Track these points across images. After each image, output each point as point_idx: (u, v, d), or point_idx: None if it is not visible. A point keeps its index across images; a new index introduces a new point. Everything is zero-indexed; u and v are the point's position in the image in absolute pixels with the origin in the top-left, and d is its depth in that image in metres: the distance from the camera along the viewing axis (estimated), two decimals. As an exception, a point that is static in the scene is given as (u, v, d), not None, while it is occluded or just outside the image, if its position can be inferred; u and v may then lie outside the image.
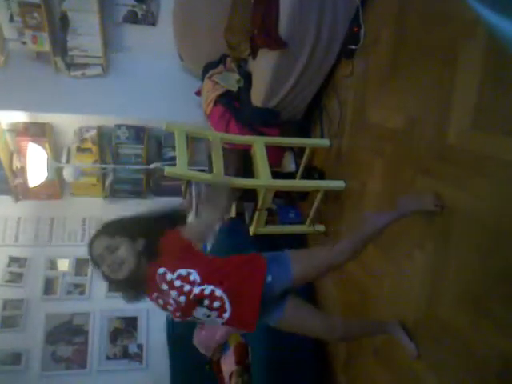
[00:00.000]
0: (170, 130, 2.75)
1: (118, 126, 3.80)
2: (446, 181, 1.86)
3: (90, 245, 1.67)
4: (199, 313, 1.64)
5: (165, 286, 1.62)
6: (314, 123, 3.19)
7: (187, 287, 1.61)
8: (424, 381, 1.90)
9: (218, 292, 1.62)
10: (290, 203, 3.40)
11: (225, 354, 2.88)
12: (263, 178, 2.64)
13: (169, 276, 1.61)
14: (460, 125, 1.81)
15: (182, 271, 1.63)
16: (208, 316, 1.64)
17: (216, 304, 1.62)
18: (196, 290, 1.61)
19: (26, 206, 4.08)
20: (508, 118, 1.60)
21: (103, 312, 3.78)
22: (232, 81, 3.18)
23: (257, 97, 2.97)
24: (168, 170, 2.53)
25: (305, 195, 3.22)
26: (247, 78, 3.10)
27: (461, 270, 1.75)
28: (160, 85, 3.77)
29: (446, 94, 1.90)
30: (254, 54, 2.94)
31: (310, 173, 3.06)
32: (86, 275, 3.93)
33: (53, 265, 3.93)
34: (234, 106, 3.17)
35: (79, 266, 3.95)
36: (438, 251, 1.87)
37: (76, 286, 3.90)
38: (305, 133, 3.21)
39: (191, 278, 1.62)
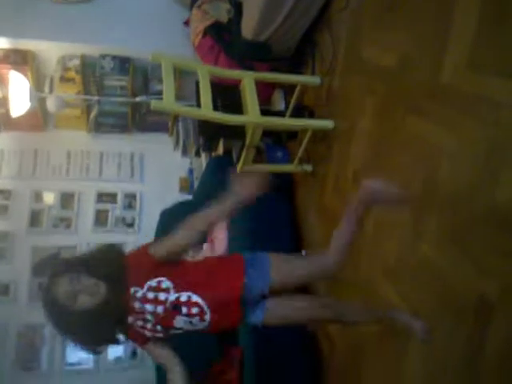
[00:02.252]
0: (157, 60, 2.64)
1: (103, 56, 3.67)
2: (437, 120, 1.83)
3: (50, 290, 1.47)
4: (180, 322, 1.56)
5: (137, 304, 1.52)
6: (305, 60, 3.09)
7: (162, 296, 1.53)
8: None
9: (194, 297, 1.55)
10: (278, 142, 3.36)
11: None
12: (252, 115, 2.58)
13: (139, 293, 1.51)
14: (454, 64, 1.75)
15: (152, 282, 1.53)
16: (190, 322, 1.57)
17: (194, 310, 1.55)
18: (171, 298, 1.53)
19: (9, 138, 4.00)
20: (504, 58, 1.55)
21: (90, 245, 3.81)
22: (222, 11, 3.04)
23: (247, 29, 2.85)
24: (154, 104, 2.45)
25: (293, 134, 3.17)
26: (238, 8, 2.96)
27: (445, 209, 1.76)
28: (147, 13, 3.61)
29: (442, 31, 1.82)
30: (245, -18, 2.79)
31: (300, 111, 3.00)
32: (72, 209, 3.93)
33: (38, 198, 3.92)
34: (223, 39, 3.05)
35: (65, 199, 3.94)
36: (423, 190, 1.87)
37: (62, 219, 3.91)
38: (296, 70, 3.11)
39: (163, 285, 1.54)
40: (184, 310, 1.54)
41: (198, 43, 3.20)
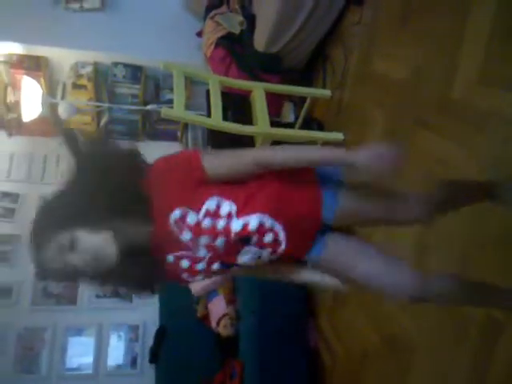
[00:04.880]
0: (168, 69, 2.67)
1: (115, 64, 3.70)
2: (446, 135, 1.83)
3: (37, 261, 1.07)
4: (245, 257, 1.16)
5: (187, 235, 1.10)
6: (316, 73, 3.11)
7: (221, 223, 1.10)
8: (406, 333, 1.94)
9: (268, 222, 1.13)
10: (286, 154, 3.36)
11: (212, 300, 2.91)
12: (262, 126, 2.59)
13: (192, 217, 1.08)
14: (466, 79, 1.76)
15: (210, 204, 1.09)
16: (259, 257, 1.17)
17: (268, 238, 1.14)
18: (236, 227, 1.11)
19: (20, 142, 4.02)
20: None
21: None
22: (234, 22, 3.06)
23: (259, 41, 2.88)
24: (164, 111, 2.48)
25: (302, 147, 3.17)
26: (251, 20, 2.99)
27: (450, 224, 1.75)
28: (160, 23, 3.64)
29: (454, 46, 1.84)
30: (259, -6, 2.82)
31: (309, 124, 3.01)
32: (78, 215, 3.93)
33: (45, 202, 3.92)
34: (235, 50, 3.08)
35: (72, 205, 3.94)
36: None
37: (68, 224, 3.91)
38: (306, 83, 3.12)
39: (224, 210, 1.10)
40: (254, 239, 1.14)
41: (210, 54, 3.23)
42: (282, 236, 1.15)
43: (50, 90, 3.76)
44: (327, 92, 2.84)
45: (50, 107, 3.61)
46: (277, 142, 2.86)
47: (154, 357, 3.07)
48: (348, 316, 2.40)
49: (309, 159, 1.18)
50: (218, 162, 1.13)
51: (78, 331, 3.56)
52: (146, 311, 3.54)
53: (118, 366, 3.56)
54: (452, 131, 1.81)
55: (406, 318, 1.95)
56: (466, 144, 1.72)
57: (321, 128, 2.94)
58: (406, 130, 2.09)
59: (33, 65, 3.65)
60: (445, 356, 1.72)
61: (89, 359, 3.51)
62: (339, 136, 2.64)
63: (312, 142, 2.87)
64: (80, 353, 3.54)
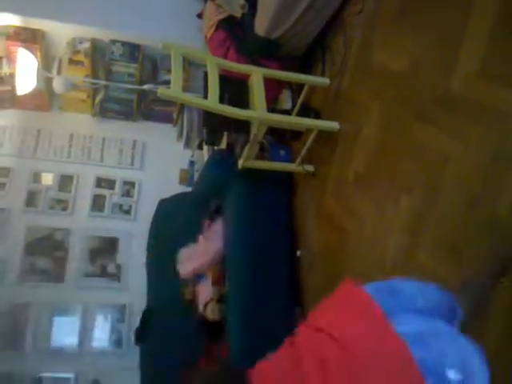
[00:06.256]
0: (167, 49, 2.62)
1: (113, 42, 3.65)
2: (443, 128, 1.82)
3: None
4: None
5: None
6: (315, 61, 3.08)
7: None
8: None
9: None
10: (281, 141, 3.35)
11: (200, 283, 2.91)
12: (258, 110, 2.56)
13: None
14: (465, 72, 1.75)
15: None
16: None
17: None
18: None
19: (13, 115, 3.98)
20: (516, 69, 1.55)
21: (84, 230, 3.80)
22: (236, 6, 3.02)
23: (261, 25, 2.84)
24: (161, 91, 2.43)
25: (297, 134, 3.16)
26: (253, 4, 2.95)
27: (444, 218, 1.75)
28: (160, 3, 3.59)
29: (455, 38, 1.82)
30: (262, -22, 2.78)
31: (306, 112, 2.98)
32: (69, 192, 3.91)
33: (36, 178, 3.90)
34: (235, 33, 3.04)
35: (63, 181, 3.92)
36: (424, 197, 1.86)
37: (59, 201, 3.89)
38: (305, 70, 3.10)
39: None
40: None
41: (210, 36, 3.19)
42: None
43: (46, 64, 3.72)
44: (326, 80, 2.82)
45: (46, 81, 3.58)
46: (273, 128, 2.84)
47: (140, 338, 3.07)
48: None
49: None
50: None
51: (64, 309, 3.56)
52: (134, 292, 3.54)
53: (103, 346, 3.58)
54: (450, 125, 1.80)
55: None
56: (465, 138, 1.71)
57: (317, 116, 2.92)
58: (404, 121, 2.08)
59: (29, 37, 3.60)
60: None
61: (74, 338, 3.51)
62: (335, 125, 2.63)
63: (308, 130, 2.86)
64: (65, 331, 3.55)
